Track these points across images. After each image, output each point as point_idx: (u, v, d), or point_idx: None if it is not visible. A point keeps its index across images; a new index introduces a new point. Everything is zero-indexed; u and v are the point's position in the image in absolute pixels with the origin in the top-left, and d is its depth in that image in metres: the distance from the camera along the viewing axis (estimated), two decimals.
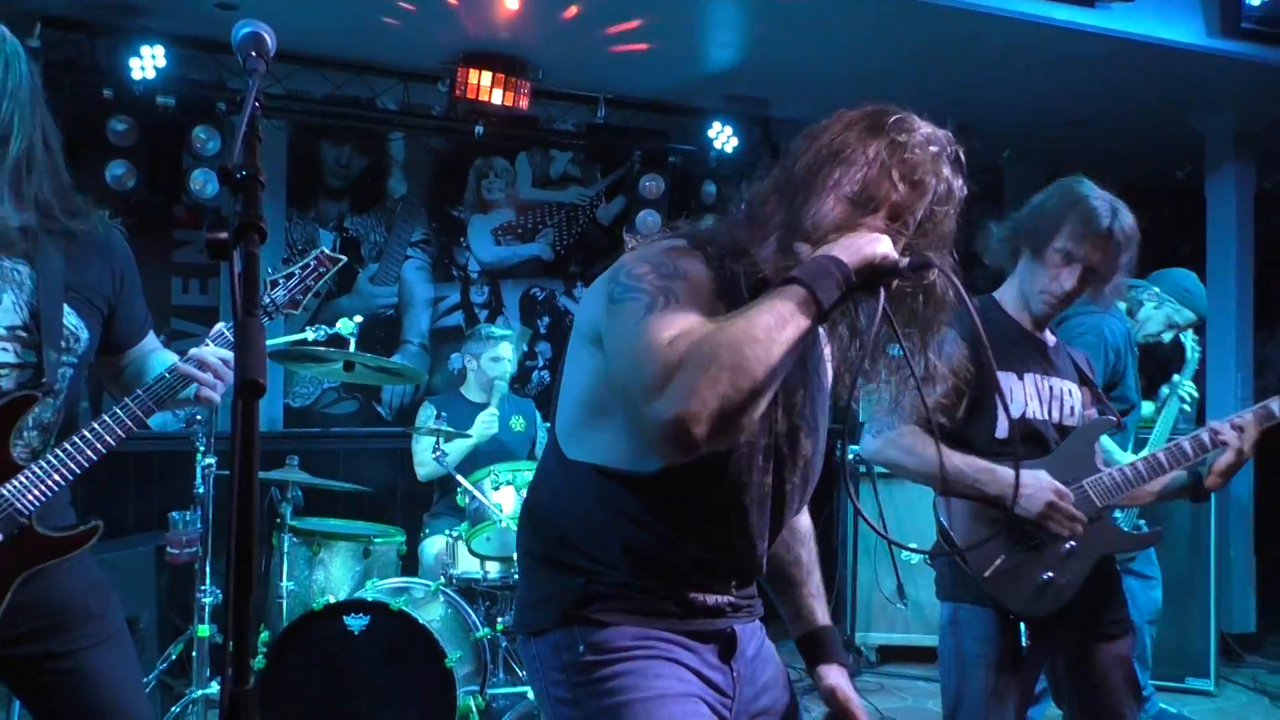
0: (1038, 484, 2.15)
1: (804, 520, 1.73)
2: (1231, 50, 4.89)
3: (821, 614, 1.68)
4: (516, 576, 3.74)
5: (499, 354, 4.55)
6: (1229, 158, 5.87)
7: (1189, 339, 4.14)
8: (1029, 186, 7.61)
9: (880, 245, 1.25)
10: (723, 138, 5.62)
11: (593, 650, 1.40)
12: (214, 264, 5.52)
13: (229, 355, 1.92)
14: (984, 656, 2.19)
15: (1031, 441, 2.26)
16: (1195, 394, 4.07)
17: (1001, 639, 2.19)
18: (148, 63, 4.59)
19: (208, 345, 1.97)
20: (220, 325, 2.06)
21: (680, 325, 1.23)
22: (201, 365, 1.91)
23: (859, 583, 5.00)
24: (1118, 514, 3.24)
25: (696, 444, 1.17)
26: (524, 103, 5.13)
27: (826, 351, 1.56)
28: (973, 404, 2.21)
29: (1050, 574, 2.20)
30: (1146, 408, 4.13)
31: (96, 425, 1.85)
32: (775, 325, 1.19)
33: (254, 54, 1.29)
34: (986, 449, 2.21)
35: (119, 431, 1.86)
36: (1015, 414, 2.24)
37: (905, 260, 1.27)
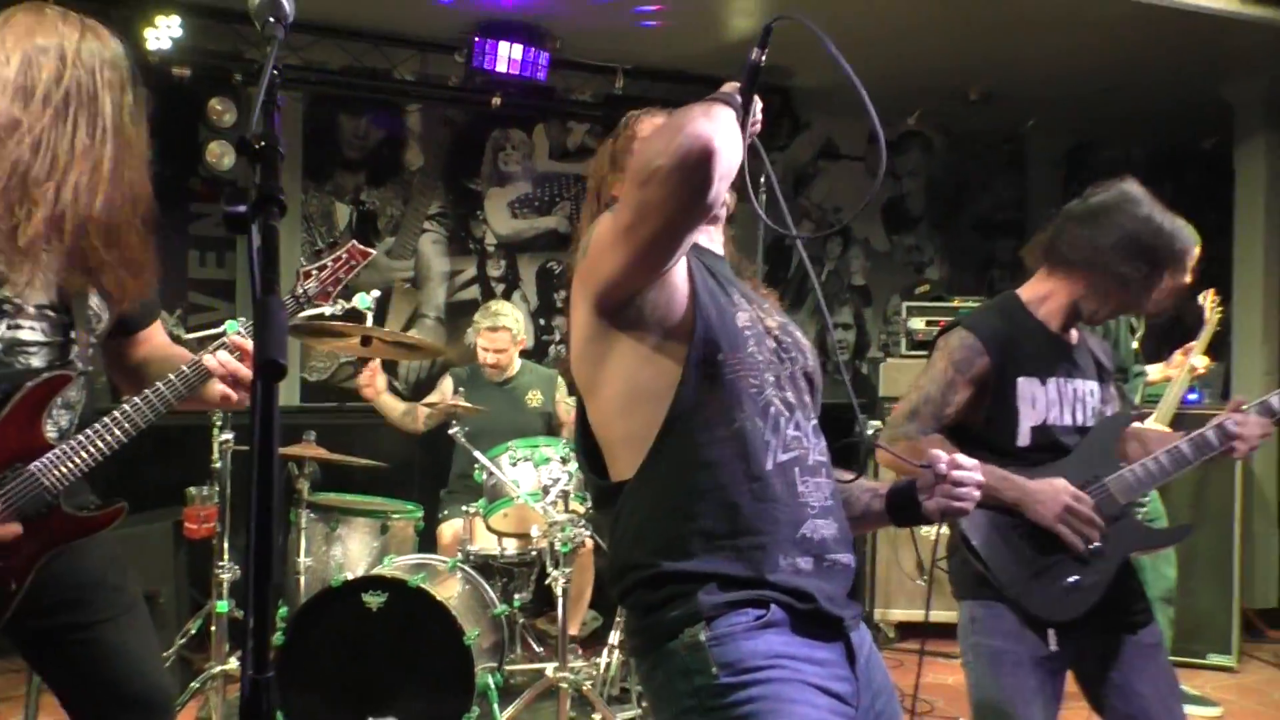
0: (1053, 489, 2.09)
1: None
2: (1265, 16, 4.78)
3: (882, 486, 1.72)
4: (535, 552, 3.79)
5: (485, 344, 4.46)
6: (1259, 127, 5.76)
7: (1207, 299, 4.01)
8: (1051, 156, 7.44)
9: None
10: None
11: (727, 671, 1.39)
12: (231, 238, 5.49)
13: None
14: (1012, 653, 2.13)
15: (1052, 449, 2.20)
16: (1207, 361, 3.97)
17: (1027, 636, 2.13)
18: (162, 32, 4.55)
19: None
20: (230, 324, 2.02)
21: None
22: (239, 355, 1.88)
23: (878, 560, 4.97)
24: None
25: (711, 153, 1.32)
26: (542, 74, 5.07)
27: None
28: (992, 411, 2.18)
29: (1076, 577, 2.14)
30: (1151, 369, 4.04)
31: (128, 406, 1.82)
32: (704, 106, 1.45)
33: (272, 19, 1.24)
34: (1006, 455, 2.16)
35: (148, 414, 1.83)
36: (1036, 420, 2.19)
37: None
